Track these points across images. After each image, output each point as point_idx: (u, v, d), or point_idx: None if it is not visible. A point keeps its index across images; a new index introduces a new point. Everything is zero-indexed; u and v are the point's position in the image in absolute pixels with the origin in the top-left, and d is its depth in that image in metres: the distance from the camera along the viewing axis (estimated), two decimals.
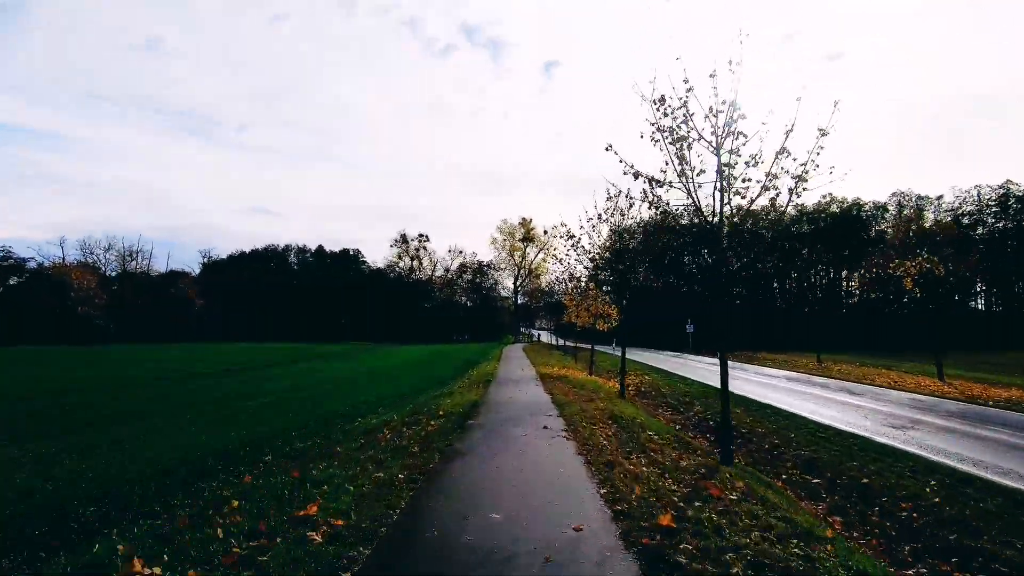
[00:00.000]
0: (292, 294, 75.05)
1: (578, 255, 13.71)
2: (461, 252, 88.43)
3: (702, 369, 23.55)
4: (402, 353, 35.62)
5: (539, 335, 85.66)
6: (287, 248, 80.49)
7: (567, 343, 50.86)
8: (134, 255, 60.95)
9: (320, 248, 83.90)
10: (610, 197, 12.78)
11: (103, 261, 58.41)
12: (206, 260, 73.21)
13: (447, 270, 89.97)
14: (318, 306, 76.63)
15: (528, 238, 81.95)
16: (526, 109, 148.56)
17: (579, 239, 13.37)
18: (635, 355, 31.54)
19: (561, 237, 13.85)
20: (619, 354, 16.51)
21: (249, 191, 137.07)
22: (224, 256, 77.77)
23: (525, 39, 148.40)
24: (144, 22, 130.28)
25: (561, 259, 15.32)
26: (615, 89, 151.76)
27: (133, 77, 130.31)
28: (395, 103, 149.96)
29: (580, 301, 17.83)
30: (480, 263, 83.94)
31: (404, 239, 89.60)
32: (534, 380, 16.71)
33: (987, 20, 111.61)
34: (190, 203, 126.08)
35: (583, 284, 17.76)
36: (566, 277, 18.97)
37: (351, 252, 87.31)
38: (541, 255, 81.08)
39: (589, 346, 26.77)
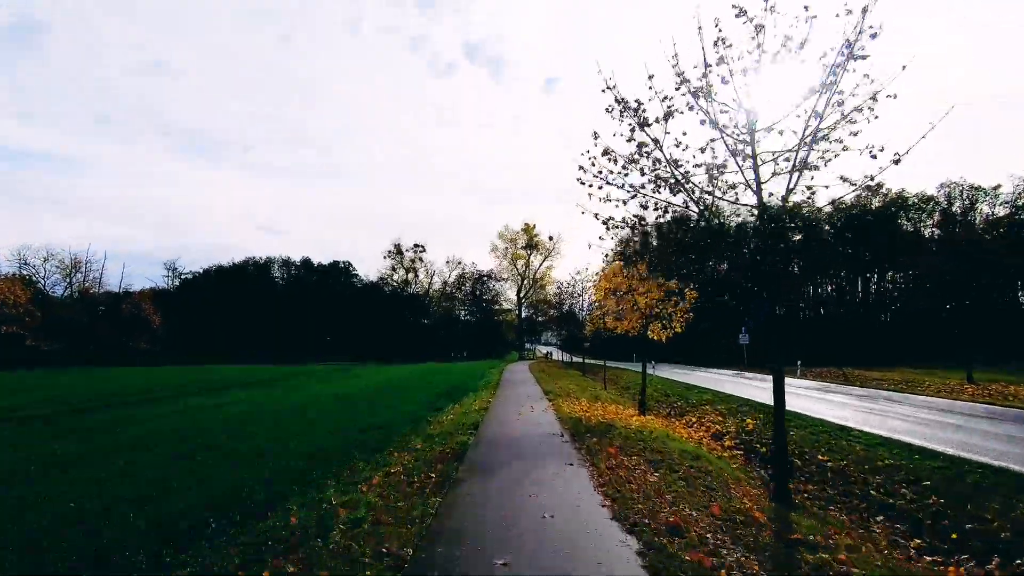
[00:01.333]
0: (275, 310, 68.18)
1: (653, 175, 6.48)
2: (460, 263, 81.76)
3: (813, 399, 16.05)
4: (385, 373, 28.66)
5: (550, 351, 77.78)
6: (269, 261, 73.91)
7: (581, 360, 43.47)
8: (79, 267, 54.26)
9: (307, 261, 77.35)
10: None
11: (42, 274, 51.69)
12: (170, 274, 66.41)
13: (445, 283, 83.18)
14: (303, 323, 69.67)
15: (532, 245, 75.02)
16: (528, 123, 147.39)
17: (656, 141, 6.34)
18: (678, 375, 24.29)
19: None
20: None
21: (255, 210, 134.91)
22: (199, 270, 71.21)
23: (525, 57, 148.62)
24: (149, 45, 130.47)
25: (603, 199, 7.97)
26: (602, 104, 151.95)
27: (140, 98, 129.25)
28: (401, 120, 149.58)
29: (635, 284, 10.65)
30: (480, 273, 76.97)
31: (398, 249, 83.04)
32: (559, 438, 9.37)
33: None
34: (196, 223, 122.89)
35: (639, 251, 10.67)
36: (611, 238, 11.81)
37: (341, 264, 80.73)
38: (547, 263, 74.10)
39: (601, 362, 20.67)
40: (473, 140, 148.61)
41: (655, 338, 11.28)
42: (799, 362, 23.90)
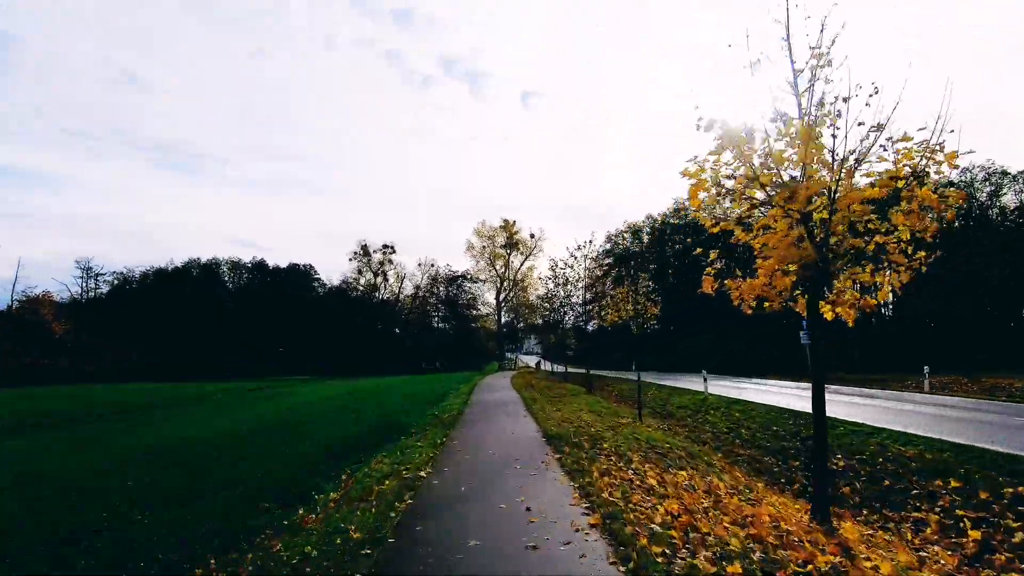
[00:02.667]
0: (218, 319, 59.45)
1: None
2: (433, 265, 74.31)
3: None
4: (316, 392, 21.27)
5: (539, 360, 70.43)
6: (215, 263, 65.04)
7: (585, 372, 36.59)
8: None
9: (261, 263, 68.82)
10: None
11: None
12: (84, 275, 56.79)
13: (417, 287, 75.48)
14: (253, 333, 61.09)
15: (512, 244, 68.04)
16: (505, 137, 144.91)
17: None
18: (724, 388, 17.59)
19: None
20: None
21: (234, 225, 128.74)
22: (130, 273, 61.92)
23: (503, 70, 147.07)
24: (122, 57, 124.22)
25: None
26: (593, 115, 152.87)
27: (111, 112, 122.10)
28: (377, 134, 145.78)
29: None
30: (455, 274, 69.64)
31: (365, 251, 75.07)
32: None
33: None
34: (174, 239, 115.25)
35: None
36: None
37: (302, 267, 72.39)
38: (528, 262, 67.23)
39: (584, 371, 14.19)
40: (451, 153, 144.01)
41: (837, 317, 4.50)
42: (926, 369, 16.75)
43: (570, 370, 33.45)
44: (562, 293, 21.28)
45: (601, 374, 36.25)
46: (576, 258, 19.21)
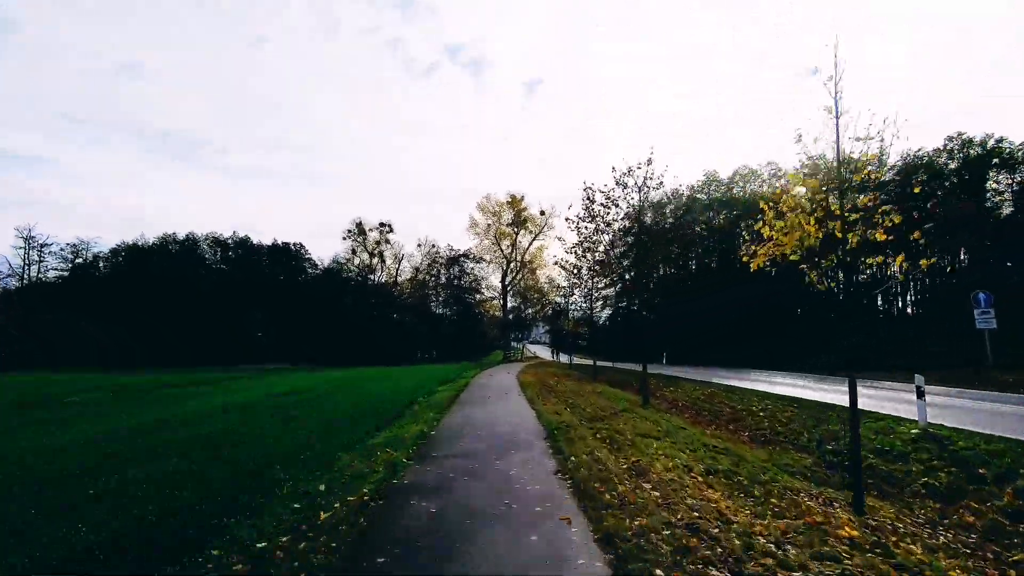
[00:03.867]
0: (196, 302, 53.63)
1: None
2: (435, 246, 67.82)
3: None
4: (255, 390, 15.30)
5: (555, 351, 63.93)
6: (191, 239, 59.02)
7: (602, 363, 30.52)
8: None
9: (244, 241, 62.74)
10: None
11: None
12: (26, 248, 50.42)
13: (417, 269, 69.10)
14: (232, 317, 55.34)
15: (519, 222, 61.25)
16: (508, 126, 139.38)
17: None
18: (768, 388, 11.26)
19: None
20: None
21: (233, 213, 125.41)
22: (98, 248, 56.18)
23: (507, 59, 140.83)
24: (123, 46, 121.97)
25: None
26: (597, 104, 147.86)
27: (114, 99, 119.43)
28: (379, 121, 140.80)
29: None
30: (456, 253, 63.26)
31: (360, 229, 68.81)
32: None
33: None
34: (172, 226, 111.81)
35: None
36: None
37: (292, 247, 66.32)
38: (538, 242, 60.52)
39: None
40: (453, 142, 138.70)
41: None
42: None
43: (595, 363, 27.14)
44: (592, 258, 14.80)
45: (624, 367, 30.13)
46: (625, 187, 12.62)
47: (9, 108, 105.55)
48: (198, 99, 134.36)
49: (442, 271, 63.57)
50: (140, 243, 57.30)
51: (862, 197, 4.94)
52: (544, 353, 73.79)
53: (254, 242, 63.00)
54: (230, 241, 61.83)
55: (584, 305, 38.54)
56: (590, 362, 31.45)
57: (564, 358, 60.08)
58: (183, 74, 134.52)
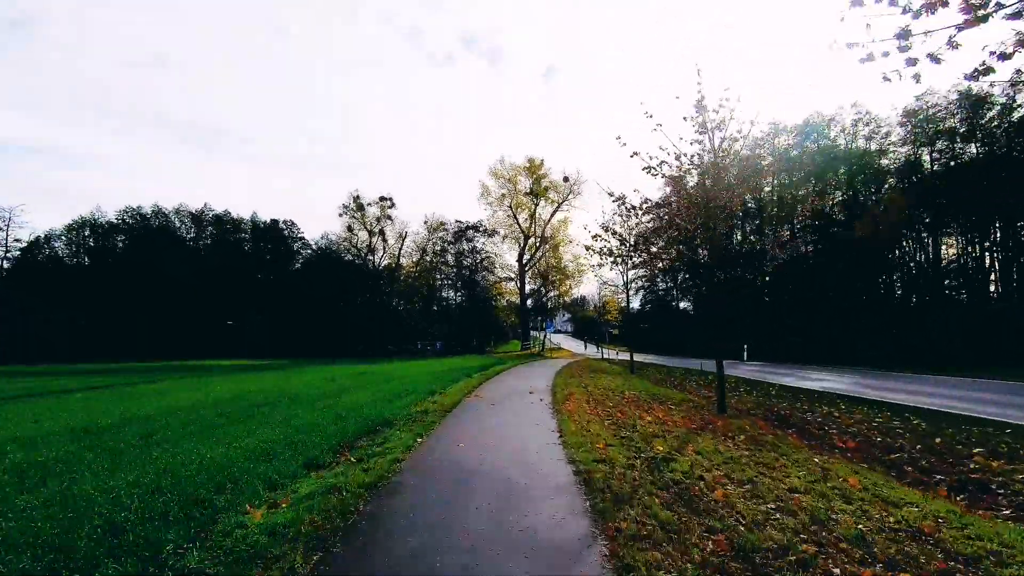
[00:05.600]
0: (165, 288, 46.16)
1: None
2: (443, 223, 58.82)
3: None
4: (164, 400, 7.30)
5: (597, 345, 54.11)
6: (160, 213, 51.38)
7: (655, 360, 21.49)
8: None
9: (223, 217, 54.99)
10: None
11: None
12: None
13: (423, 250, 60.27)
14: (210, 305, 47.82)
15: (538, 192, 51.80)
16: (528, 112, 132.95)
17: None
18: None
19: None
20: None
21: (258, 203, 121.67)
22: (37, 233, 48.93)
23: (525, 46, 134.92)
24: (151, 37, 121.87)
25: None
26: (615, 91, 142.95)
27: (139, 91, 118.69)
28: (398, 108, 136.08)
29: None
30: (465, 225, 54.31)
31: (358, 204, 60.03)
32: None
33: None
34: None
35: None
36: None
37: (282, 224, 58.41)
38: (561, 214, 51.18)
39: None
40: (472, 129, 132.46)
41: None
42: None
43: (643, 359, 17.93)
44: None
45: (678, 365, 20.52)
46: (704, 130, 5.38)
47: (32, 99, 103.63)
48: (221, 89, 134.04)
49: (448, 248, 54.63)
50: (98, 219, 49.82)
51: None
52: (570, 344, 64.46)
53: (233, 216, 55.22)
54: (209, 217, 54.16)
55: (621, 286, 30.83)
56: (656, 362, 22.24)
57: (592, 349, 50.85)
58: (206, 65, 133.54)
